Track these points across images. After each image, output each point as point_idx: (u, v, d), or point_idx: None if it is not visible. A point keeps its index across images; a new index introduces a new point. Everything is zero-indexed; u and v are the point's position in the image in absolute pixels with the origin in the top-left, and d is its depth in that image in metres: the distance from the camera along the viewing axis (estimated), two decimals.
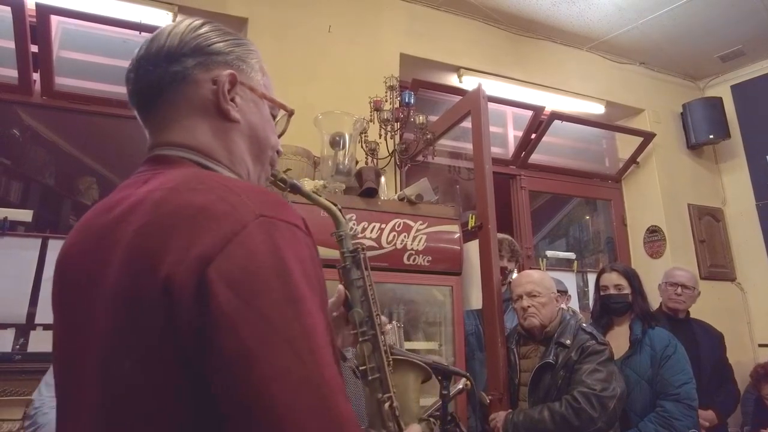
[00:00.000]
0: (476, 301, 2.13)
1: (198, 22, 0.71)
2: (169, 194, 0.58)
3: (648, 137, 3.88)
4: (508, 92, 3.53)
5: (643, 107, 4.05)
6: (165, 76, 0.68)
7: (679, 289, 2.66)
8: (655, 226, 3.82)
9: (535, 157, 3.73)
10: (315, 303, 0.52)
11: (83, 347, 0.58)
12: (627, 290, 2.27)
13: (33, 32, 2.58)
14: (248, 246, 0.50)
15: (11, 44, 2.55)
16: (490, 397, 1.95)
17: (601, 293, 2.34)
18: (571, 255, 3.82)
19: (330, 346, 0.53)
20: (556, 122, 3.60)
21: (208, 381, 0.48)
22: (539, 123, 3.62)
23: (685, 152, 4.11)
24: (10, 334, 2.33)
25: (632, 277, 2.31)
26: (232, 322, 0.47)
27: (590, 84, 3.87)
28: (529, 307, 1.96)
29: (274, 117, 0.77)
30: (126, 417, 0.52)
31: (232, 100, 0.70)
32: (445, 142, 3.18)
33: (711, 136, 3.97)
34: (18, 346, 2.33)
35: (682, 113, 4.15)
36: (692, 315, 2.76)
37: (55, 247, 2.51)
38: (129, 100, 0.72)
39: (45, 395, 1.58)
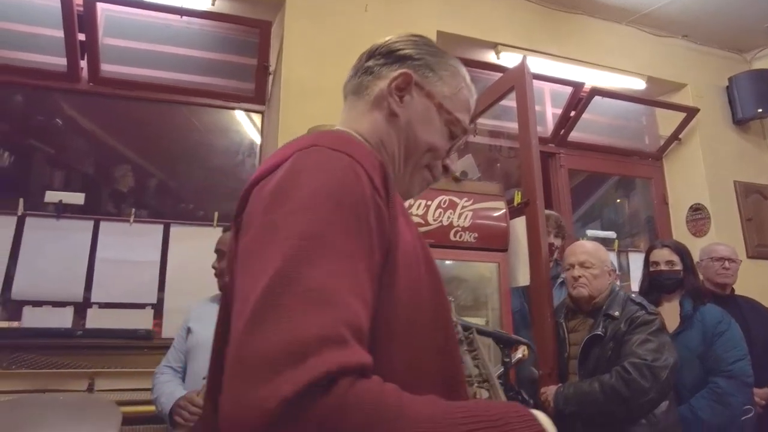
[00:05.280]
0: (523, 277, 2.13)
1: (406, 34, 0.82)
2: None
3: (691, 113, 3.76)
4: (546, 69, 3.46)
5: (686, 82, 3.92)
6: (361, 68, 0.81)
7: (727, 263, 2.60)
8: (699, 204, 3.71)
9: (574, 135, 3.66)
10: (337, 221, 0.53)
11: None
12: (679, 266, 2.23)
13: (80, 21, 2.65)
14: (285, 168, 0.59)
15: (60, 33, 2.63)
16: (540, 371, 1.95)
17: (651, 269, 2.30)
18: (612, 234, 3.76)
19: (352, 258, 0.52)
20: (595, 99, 3.52)
21: None
22: (578, 100, 3.55)
23: (731, 127, 3.97)
24: (69, 312, 2.43)
25: (684, 254, 2.27)
26: (250, 227, 0.56)
27: (630, 59, 3.76)
28: (579, 277, 1.93)
29: (453, 135, 0.81)
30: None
31: (401, 98, 0.77)
32: (483, 121, 3.14)
33: (759, 110, 3.82)
34: (77, 323, 2.43)
35: (727, 87, 4.00)
36: (738, 294, 2.70)
37: (106, 229, 2.59)
38: None
39: (161, 363, 1.89)
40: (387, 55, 0.79)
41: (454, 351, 0.71)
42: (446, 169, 0.82)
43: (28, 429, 0.88)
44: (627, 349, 1.79)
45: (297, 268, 0.48)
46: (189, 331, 1.89)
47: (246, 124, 3.24)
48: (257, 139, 3.17)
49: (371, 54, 0.80)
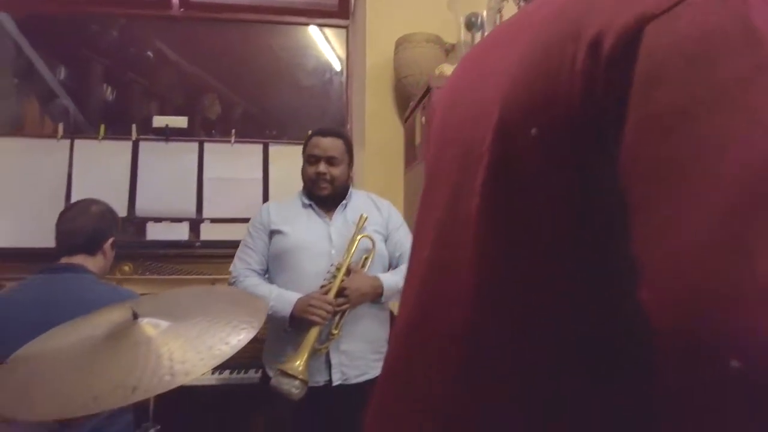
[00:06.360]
0: None
1: None
2: None
3: None
4: None
5: None
6: None
7: None
8: None
9: None
10: None
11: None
12: None
13: None
14: (704, 6, 0.40)
15: None
16: None
17: None
18: None
19: None
20: None
21: (620, 142, 0.41)
22: None
23: None
24: (185, 226, 2.66)
25: None
26: (671, 81, 0.39)
27: None
28: None
29: None
30: (509, 190, 0.49)
31: None
32: None
33: None
34: (192, 237, 2.66)
35: None
36: None
37: (210, 150, 2.74)
38: None
39: (239, 267, 1.80)
40: None
41: None
42: None
43: (196, 312, 1.00)
44: None
45: None
46: (277, 232, 1.78)
47: (321, 43, 3.22)
48: (332, 57, 3.17)
49: None
